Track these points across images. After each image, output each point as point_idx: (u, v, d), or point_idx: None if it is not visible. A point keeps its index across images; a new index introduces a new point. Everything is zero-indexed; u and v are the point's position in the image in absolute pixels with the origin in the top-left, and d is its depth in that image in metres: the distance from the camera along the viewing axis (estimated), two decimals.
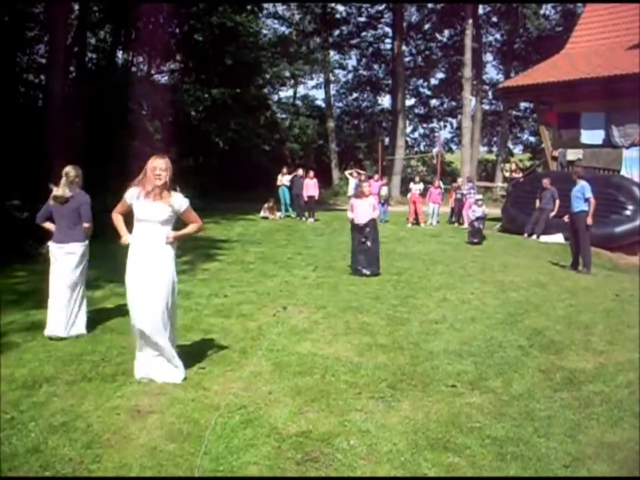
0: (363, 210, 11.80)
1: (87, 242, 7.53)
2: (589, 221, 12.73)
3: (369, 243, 11.59)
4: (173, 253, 6.01)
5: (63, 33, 19.95)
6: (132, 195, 5.92)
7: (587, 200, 12.76)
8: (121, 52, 28.67)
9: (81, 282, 7.53)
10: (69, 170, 7.43)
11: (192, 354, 6.62)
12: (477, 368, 6.36)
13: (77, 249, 7.40)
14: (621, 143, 20.12)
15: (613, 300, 9.92)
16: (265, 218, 22.29)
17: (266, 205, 22.78)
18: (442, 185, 24.41)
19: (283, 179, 23.27)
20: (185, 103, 25.31)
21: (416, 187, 22.45)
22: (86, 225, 7.47)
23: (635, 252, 18.14)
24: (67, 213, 7.39)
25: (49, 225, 7.51)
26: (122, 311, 8.41)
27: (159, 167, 5.82)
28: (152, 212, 5.82)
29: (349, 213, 12.14)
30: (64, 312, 7.27)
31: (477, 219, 17.40)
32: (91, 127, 19.00)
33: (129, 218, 6.00)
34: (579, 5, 37.25)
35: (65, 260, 7.35)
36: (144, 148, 20.58)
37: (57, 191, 7.37)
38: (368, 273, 11.42)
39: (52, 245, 7.42)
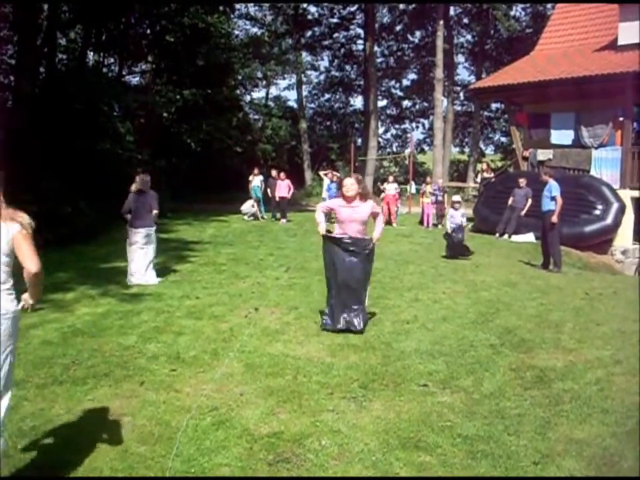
0: (351, 225, 7.77)
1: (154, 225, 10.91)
2: (554, 219, 12.83)
3: (354, 274, 7.64)
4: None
5: (32, 34, 19.78)
6: None
7: (553, 199, 12.89)
8: (91, 53, 28.45)
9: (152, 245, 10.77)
10: (143, 176, 10.93)
11: (163, 356, 6.61)
12: (448, 367, 6.39)
13: (149, 231, 10.71)
14: (590, 143, 20.36)
15: (582, 298, 10.01)
16: (256, 219, 22.23)
17: (250, 203, 22.67)
18: (414, 185, 24.47)
19: (254, 180, 23.23)
20: (156, 104, 25.18)
21: (390, 187, 22.42)
22: (155, 212, 10.81)
23: (605, 251, 18.39)
24: (142, 204, 10.73)
25: (128, 217, 10.78)
26: (93, 313, 8.39)
27: None
28: None
29: (319, 217, 7.88)
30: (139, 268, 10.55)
31: (454, 229, 14.39)
32: (61, 128, 18.82)
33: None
34: (548, 7, 37.67)
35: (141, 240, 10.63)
36: (115, 150, 20.47)
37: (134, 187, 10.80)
38: (346, 326, 7.54)
39: (131, 230, 10.68)
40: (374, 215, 7.90)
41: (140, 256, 10.61)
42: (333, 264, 7.69)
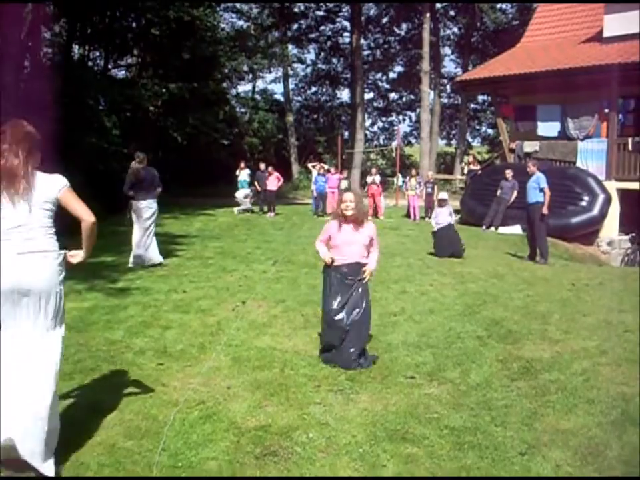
0: (350, 248, 6.30)
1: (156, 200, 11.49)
2: (545, 211, 12.88)
3: (355, 311, 6.23)
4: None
5: (16, 27, 19.61)
6: None
7: (542, 190, 12.91)
8: (76, 46, 28.26)
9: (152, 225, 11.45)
10: (139, 154, 11.54)
11: (150, 350, 6.59)
12: (435, 359, 6.41)
13: (151, 204, 11.34)
14: (576, 135, 20.44)
15: (569, 290, 10.06)
16: (252, 211, 22.25)
17: (248, 194, 22.66)
18: (401, 178, 24.52)
19: (241, 174, 23.24)
20: (142, 98, 25.03)
21: (371, 179, 22.46)
22: (159, 189, 11.52)
23: (591, 242, 18.49)
24: (145, 182, 11.26)
25: (131, 193, 11.24)
26: (79, 308, 8.35)
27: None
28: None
29: (320, 246, 6.49)
30: (141, 247, 11.24)
31: (441, 228, 13.49)
32: (47, 122, 18.71)
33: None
34: None
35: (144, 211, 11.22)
36: (101, 144, 20.36)
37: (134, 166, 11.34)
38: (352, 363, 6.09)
39: (135, 202, 11.21)
40: (371, 241, 6.41)
41: (144, 230, 11.25)
42: (335, 297, 6.24)
